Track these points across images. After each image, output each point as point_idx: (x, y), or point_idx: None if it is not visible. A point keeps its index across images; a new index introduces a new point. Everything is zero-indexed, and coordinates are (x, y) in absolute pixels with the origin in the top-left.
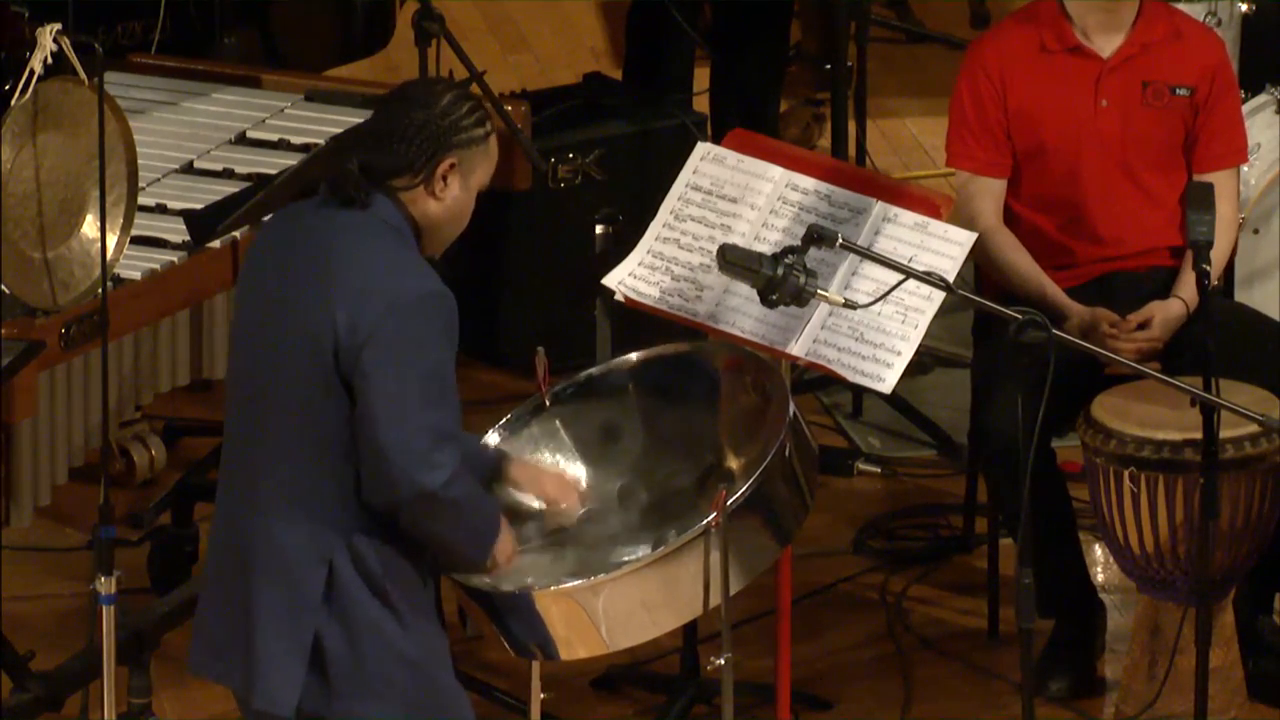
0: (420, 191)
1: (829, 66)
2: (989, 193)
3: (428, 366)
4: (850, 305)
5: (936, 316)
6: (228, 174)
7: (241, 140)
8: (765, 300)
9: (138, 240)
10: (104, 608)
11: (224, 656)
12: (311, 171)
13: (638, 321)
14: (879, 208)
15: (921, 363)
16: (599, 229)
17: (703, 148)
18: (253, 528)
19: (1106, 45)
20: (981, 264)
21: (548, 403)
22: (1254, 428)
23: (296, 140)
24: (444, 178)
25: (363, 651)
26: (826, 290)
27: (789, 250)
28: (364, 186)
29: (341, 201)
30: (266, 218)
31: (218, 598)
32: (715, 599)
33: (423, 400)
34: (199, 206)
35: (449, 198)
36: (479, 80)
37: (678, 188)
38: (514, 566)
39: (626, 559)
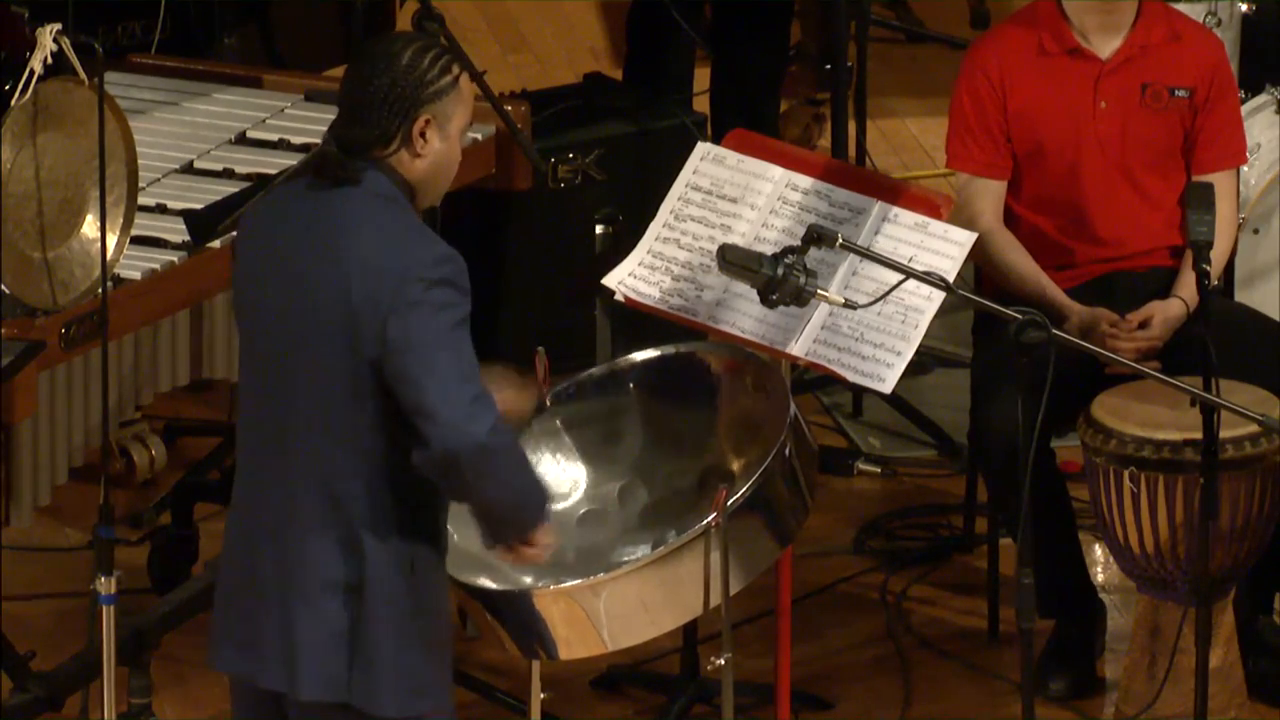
0: (403, 155)
1: (829, 66)
2: (989, 194)
3: (451, 327)
4: (850, 305)
5: (936, 316)
6: (228, 174)
7: (241, 140)
8: (765, 300)
9: (138, 240)
10: (104, 608)
11: (256, 650)
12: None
13: (638, 321)
14: (879, 208)
15: (921, 363)
16: (599, 229)
17: (703, 148)
18: (284, 516)
19: (1105, 47)
20: (981, 264)
21: (548, 403)
22: (1254, 428)
23: (296, 140)
24: (422, 135)
25: (391, 639)
26: (826, 290)
27: (789, 250)
28: (347, 164)
29: (332, 181)
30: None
31: (243, 590)
32: (715, 599)
33: (454, 358)
34: (199, 206)
35: (430, 153)
36: (479, 81)
37: (678, 188)
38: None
39: (626, 559)
